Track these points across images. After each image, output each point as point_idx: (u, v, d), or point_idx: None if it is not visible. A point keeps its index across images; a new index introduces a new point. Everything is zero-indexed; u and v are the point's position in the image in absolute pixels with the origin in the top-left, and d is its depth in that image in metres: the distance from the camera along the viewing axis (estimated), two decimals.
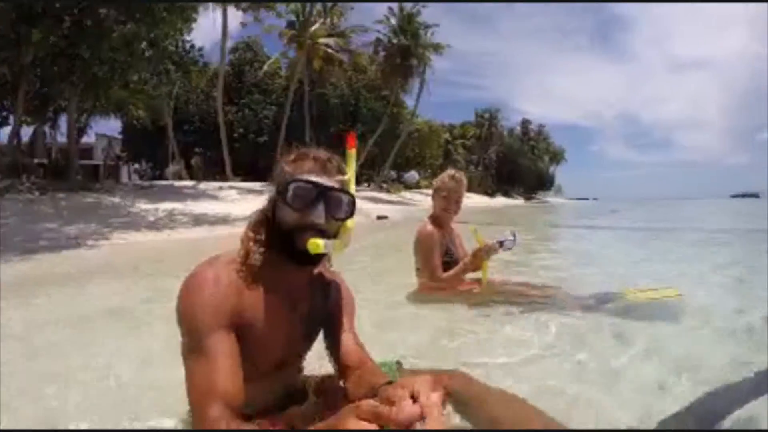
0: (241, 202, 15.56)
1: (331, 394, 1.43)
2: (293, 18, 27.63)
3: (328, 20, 28.26)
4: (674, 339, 2.69)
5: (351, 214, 1.24)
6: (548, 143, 64.46)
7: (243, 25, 25.73)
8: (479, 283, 3.19)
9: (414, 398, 0.73)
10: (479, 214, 17.24)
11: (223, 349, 1.07)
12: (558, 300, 3.20)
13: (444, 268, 3.12)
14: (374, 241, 7.01)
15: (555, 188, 67.48)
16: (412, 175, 41.41)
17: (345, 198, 1.22)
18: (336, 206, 1.21)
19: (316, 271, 1.35)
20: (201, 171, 29.09)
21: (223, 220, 11.91)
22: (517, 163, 56.56)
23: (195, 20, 14.54)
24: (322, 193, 1.19)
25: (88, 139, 25.59)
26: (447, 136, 49.12)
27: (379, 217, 15.34)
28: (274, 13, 21.38)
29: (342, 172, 1.26)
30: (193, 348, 1.08)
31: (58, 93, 14.47)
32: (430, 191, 3.39)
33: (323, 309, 1.42)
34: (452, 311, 3.07)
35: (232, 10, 20.34)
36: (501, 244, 3.01)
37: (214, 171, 27.83)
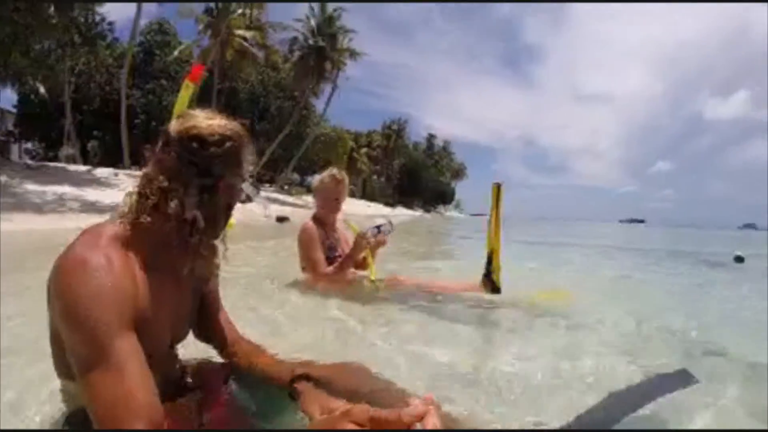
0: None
1: (212, 379, 1.36)
2: (212, 4, 26.68)
3: (248, 12, 27.46)
4: (570, 339, 2.60)
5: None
6: (451, 159, 66.83)
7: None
8: (368, 280, 3.17)
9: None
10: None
11: (133, 353, 0.92)
12: (449, 295, 3.17)
13: (328, 263, 3.10)
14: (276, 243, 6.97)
15: (455, 203, 70.05)
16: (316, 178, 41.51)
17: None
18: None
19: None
20: (97, 156, 26.99)
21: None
22: (419, 176, 57.86)
23: None
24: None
25: None
26: (353, 143, 49.55)
27: (279, 219, 14.38)
28: None
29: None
30: (97, 357, 0.89)
31: None
32: None
33: (198, 285, 1.34)
34: (343, 305, 2.91)
35: None
36: (378, 229, 3.04)
37: (111, 157, 25.96)
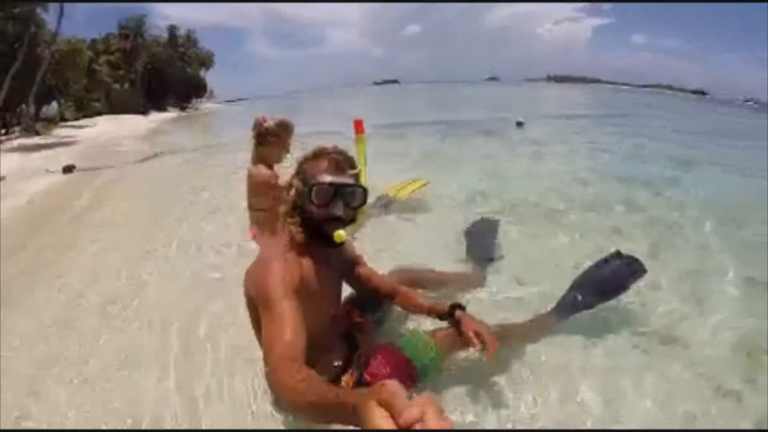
0: None
1: (367, 336, 2.06)
2: None
3: None
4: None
5: (364, 202, 1.66)
6: (198, 49, 60.60)
7: None
8: None
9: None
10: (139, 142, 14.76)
11: (290, 310, 1.38)
12: None
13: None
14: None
15: (208, 93, 65.53)
16: (53, 106, 35.14)
17: (358, 190, 1.64)
18: (351, 198, 1.63)
19: None
20: None
21: None
22: (166, 73, 52.35)
23: None
24: (339, 191, 1.59)
25: None
26: (91, 53, 40.03)
27: (66, 169, 10.18)
28: None
29: (353, 166, 1.67)
30: (268, 311, 1.39)
31: None
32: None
33: (347, 264, 1.95)
34: None
35: None
36: None
37: None
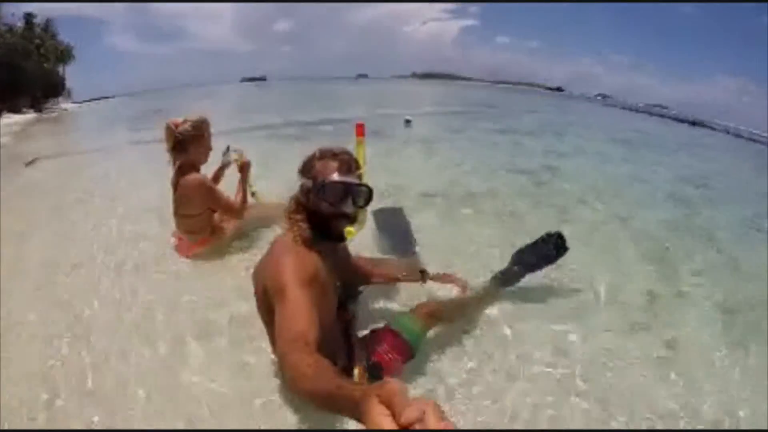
0: None
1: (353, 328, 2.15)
2: None
3: None
4: None
5: (369, 201, 1.76)
6: (56, 41, 54.70)
7: None
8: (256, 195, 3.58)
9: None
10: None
11: (302, 298, 1.43)
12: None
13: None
14: None
15: (66, 92, 58.50)
16: None
17: (365, 190, 1.73)
18: (359, 197, 1.73)
19: None
20: None
21: None
22: (21, 68, 46.11)
23: None
24: (349, 190, 1.68)
25: None
26: None
27: None
28: None
29: (359, 167, 1.74)
30: (281, 299, 1.44)
31: None
32: None
33: (344, 258, 2.11)
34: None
35: None
36: (228, 149, 3.43)
37: None
